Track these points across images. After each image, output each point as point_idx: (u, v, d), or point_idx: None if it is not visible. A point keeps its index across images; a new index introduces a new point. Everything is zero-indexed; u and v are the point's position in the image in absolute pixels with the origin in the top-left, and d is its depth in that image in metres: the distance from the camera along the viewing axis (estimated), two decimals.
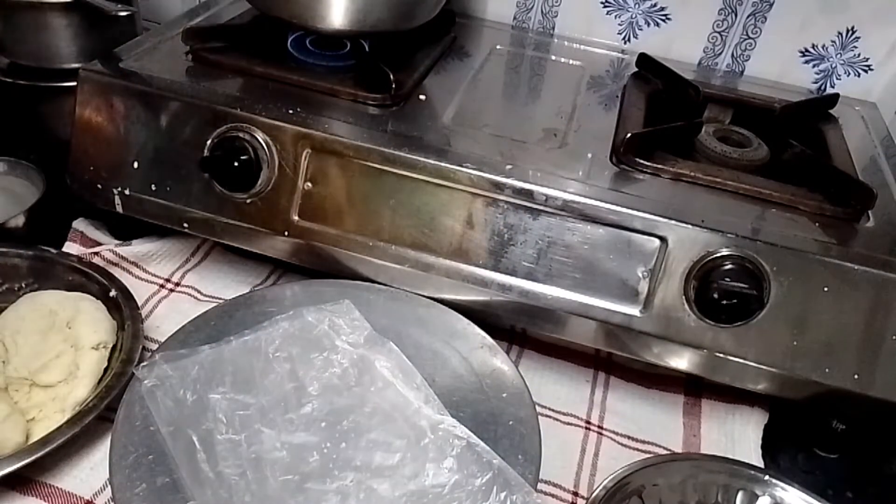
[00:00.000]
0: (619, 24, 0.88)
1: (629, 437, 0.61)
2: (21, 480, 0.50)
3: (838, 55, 0.83)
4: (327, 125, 0.60)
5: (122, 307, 0.60)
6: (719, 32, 0.85)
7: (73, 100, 0.64)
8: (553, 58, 0.84)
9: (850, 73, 0.84)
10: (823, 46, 0.83)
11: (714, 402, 0.64)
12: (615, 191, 0.58)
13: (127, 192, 0.65)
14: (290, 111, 0.61)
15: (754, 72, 0.86)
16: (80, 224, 0.71)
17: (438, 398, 0.53)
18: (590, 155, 0.63)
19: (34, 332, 0.56)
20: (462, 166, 0.58)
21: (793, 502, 0.53)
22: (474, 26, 0.89)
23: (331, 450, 0.50)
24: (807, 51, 0.84)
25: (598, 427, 0.61)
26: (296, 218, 0.62)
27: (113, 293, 0.61)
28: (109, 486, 0.48)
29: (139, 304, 0.61)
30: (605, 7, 0.88)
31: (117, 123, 0.63)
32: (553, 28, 0.91)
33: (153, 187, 0.64)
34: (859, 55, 0.83)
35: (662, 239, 0.56)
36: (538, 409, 0.56)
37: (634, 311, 0.57)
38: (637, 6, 0.86)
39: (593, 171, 0.60)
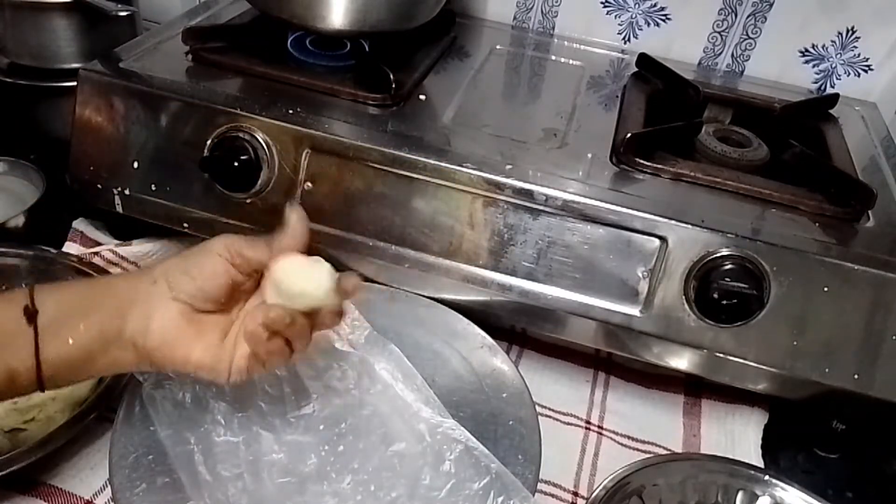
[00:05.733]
0: (619, 24, 0.88)
1: (629, 437, 0.61)
2: (21, 480, 0.50)
3: (838, 55, 0.83)
4: (327, 125, 0.60)
5: None
6: (719, 32, 0.85)
7: (73, 100, 0.64)
8: (553, 58, 0.84)
9: (850, 73, 0.84)
10: (823, 46, 0.83)
11: (714, 402, 0.64)
12: (615, 191, 0.58)
13: (127, 192, 0.65)
14: (290, 111, 0.61)
15: (754, 72, 0.86)
16: (80, 224, 0.71)
17: (438, 398, 0.53)
18: (590, 155, 0.63)
19: None
20: (462, 166, 0.58)
21: (793, 502, 0.53)
22: (474, 26, 0.89)
23: (329, 452, 0.50)
24: (807, 51, 0.84)
25: (598, 427, 0.61)
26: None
27: None
28: (109, 486, 0.48)
29: None
30: (605, 7, 0.88)
31: (117, 123, 0.63)
32: (553, 28, 0.91)
33: (153, 187, 0.64)
34: (859, 55, 0.83)
35: (662, 239, 0.56)
36: (538, 409, 0.56)
37: (634, 311, 0.57)
38: (637, 6, 0.86)
39: (593, 171, 0.60)
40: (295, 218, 0.46)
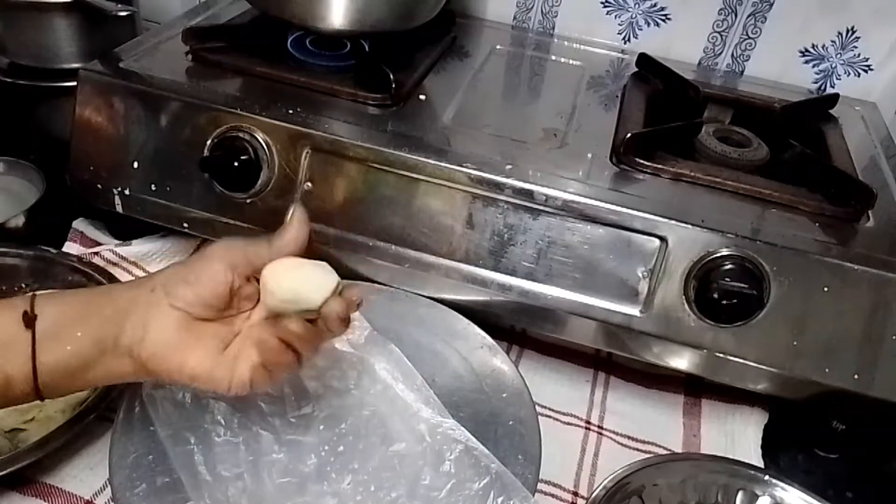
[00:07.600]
0: (619, 24, 0.88)
1: (629, 437, 0.61)
2: (21, 480, 0.50)
3: (838, 55, 0.83)
4: (327, 125, 0.60)
5: None
6: (719, 32, 0.85)
7: (73, 100, 0.64)
8: (553, 58, 0.84)
9: (850, 73, 0.84)
10: (823, 46, 0.83)
11: (714, 402, 0.64)
12: (615, 191, 0.58)
13: (127, 192, 0.65)
14: (290, 111, 0.61)
15: (754, 72, 0.86)
16: (80, 224, 0.71)
17: (438, 398, 0.53)
18: (590, 155, 0.63)
19: None
20: (462, 166, 0.58)
21: (793, 502, 0.53)
22: (474, 26, 0.89)
23: (329, 452, 0.50)
24: (807, 51, 0.84)
25: (598, 427, 0.61)
26: None
27: None
28: (109, 486, 0.48)
29: None
30: (605, 7, 0.88)
31: (117, 123, 0.63)
32: (553, 28, 0.91)
33: (153, 187, 0.64)
34: (859, 55, 0.83)
35: (662, 239, 0.56)
36: (538, 409, 0.56)
37: (634, 311, 0.57)
38: (637, 6, 0.86)
39: (593, 171, 0.60)
40: (297, 216, 0.46)
